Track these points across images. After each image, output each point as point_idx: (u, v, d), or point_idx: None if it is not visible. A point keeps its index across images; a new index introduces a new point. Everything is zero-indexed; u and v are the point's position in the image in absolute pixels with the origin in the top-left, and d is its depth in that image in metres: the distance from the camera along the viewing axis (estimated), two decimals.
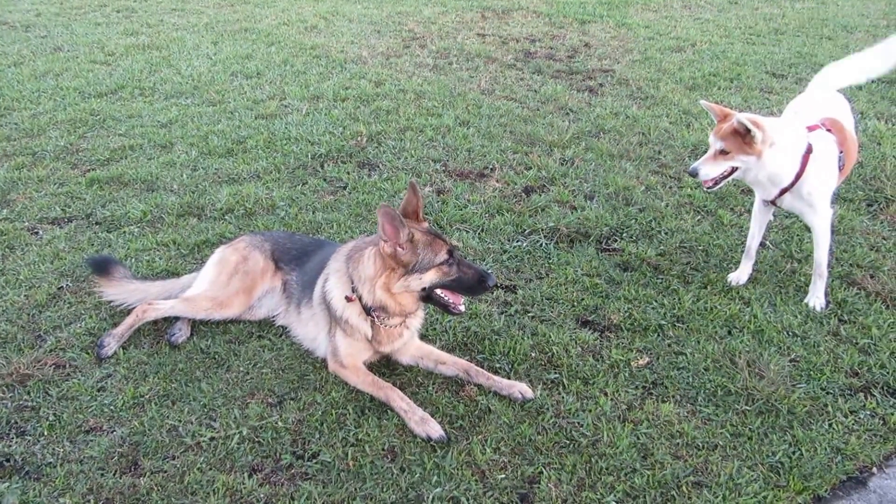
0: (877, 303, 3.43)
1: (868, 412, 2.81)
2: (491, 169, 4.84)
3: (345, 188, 4.57)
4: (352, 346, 2.95)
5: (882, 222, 4.16)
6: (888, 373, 3.00)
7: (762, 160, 3.17)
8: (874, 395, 2.89)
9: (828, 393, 2.89)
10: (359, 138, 5.28)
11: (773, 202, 3.41)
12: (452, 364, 2.97)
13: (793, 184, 3.24)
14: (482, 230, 4.07)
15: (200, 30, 8.44)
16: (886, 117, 5.65)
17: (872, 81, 6.51)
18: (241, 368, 3.01)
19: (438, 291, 2.80)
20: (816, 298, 3.41)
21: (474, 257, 3.78)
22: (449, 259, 2.76)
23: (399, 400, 2.78)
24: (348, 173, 4.75)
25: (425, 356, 3.03)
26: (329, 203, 4.37)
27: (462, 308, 2.86)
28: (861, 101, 5.99)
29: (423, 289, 2.79)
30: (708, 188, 3.32)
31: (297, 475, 2.52)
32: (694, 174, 3.26)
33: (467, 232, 4.05)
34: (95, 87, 6.35)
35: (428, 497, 2.42)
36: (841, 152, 3.34)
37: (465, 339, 3.20)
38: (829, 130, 3.34)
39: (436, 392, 2.89)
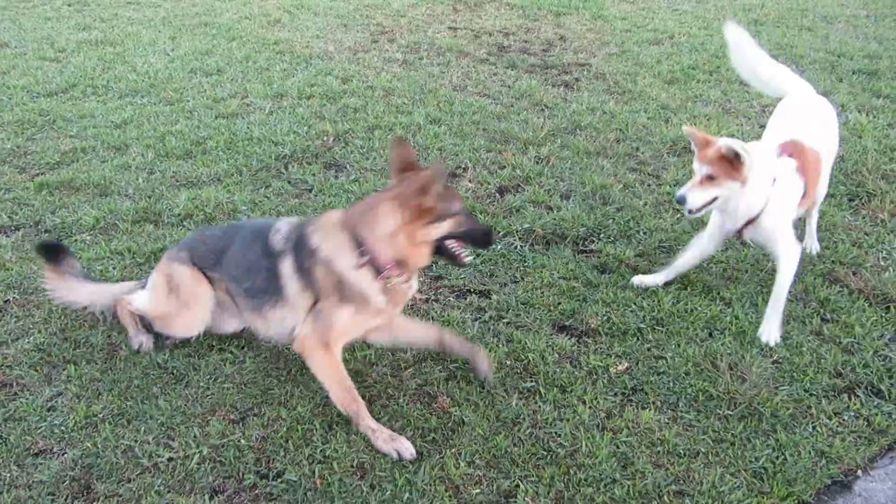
0: (860, 300, 3.49)
1: (852, 413, 2.85)
2: (463, 168, 4.84)
3: (310, 190, 4.54)
4: (353, 318, 2.86)
5: (864, 217, 4.23)
6: (872, 372, 3.05)
7: (746, 188, 3.18)
8: (858, 396, 2.94)
9: (811, 395, 2.93)
10: (325, 138, 5.25)
11: (737, 232, 3.41)
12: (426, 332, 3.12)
13: (757, 215, 3.27)
14: None
15: (157, 24, 8.33)
16: (868, 109, 5.75)
17: (853, 73, 6.65)
18: (202, 384, 2.97)
19: (448, 242, 2.86)
20: (770, 333, 3.26)
21: (446, 263, 3.76)
22: (462, 209, 2.87)
23: (368, 418, 2.74)
24: (314, 175, 4.71)
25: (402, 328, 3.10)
26: (294, 206, 4.33)
27: (468, 259, 2.98)
28: (842, 94, 6.09)
29: (437, 238, 2.83)
30: (690, 214, 3.30)
31: (261, 496, 2.49)
32: (681, 202, 3.24)
33: None
34: (45, 85, 6.23)
35: None
36: (805, 180, 3.35)
37: (436, 348, 3.19)
38: (790, 156, 3.36)
39: (407, 404, 2.88)
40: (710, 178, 3.18)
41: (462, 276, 3.69)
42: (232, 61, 6.98)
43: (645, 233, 4.08)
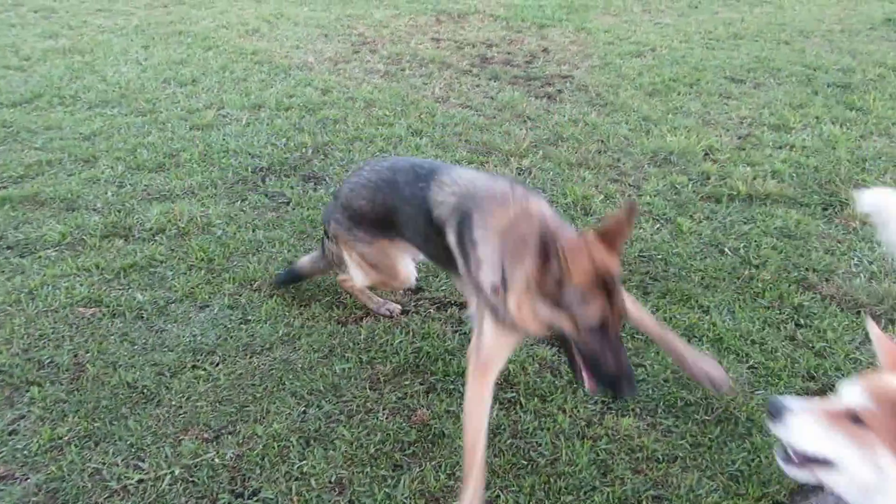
0: (832, 306, 3.57)
1: None
2: None
3: (288, 203, 4.55)
4: (499, 338, 2.46)
5: (837, 226, 4.33)
6: (843, 375, 3.12)
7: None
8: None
9: None
10: (304, 150, 5.28)
11: None
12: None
13: None
14: None
15: (129, 32, 8.33)
16: (841, 122, 5.89)
17: (828, 85, 6.81)
18: (173, 402, 2.96)
19: (576, 346, 2.25)
20: None
21: (426, 274, 3.81)
22: (596, 325, 2.16)
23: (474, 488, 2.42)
24: (292, 188, 4.73)
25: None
26: (271, 220, 4.34)
27: (589, 385, 2.27)
28: (817, 106, 6.23)
29: (550, 326, 2.27)
30: (783, 461, 1.86)
31: None
32: (776, 414, 1.80)
33: None
34: (8, 95, 6.21)
35: None
36: None
37: (416, 360, 3.21)
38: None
39: (386, 418, 2.89)
40: (856, 422, 1.71)
41: (442, 287, 3.73)
42: (208, 71, 7.00)
43: (625, 243, 4.14)
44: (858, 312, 3.56)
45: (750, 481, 2.60)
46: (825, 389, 3.06)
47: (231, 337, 3.35)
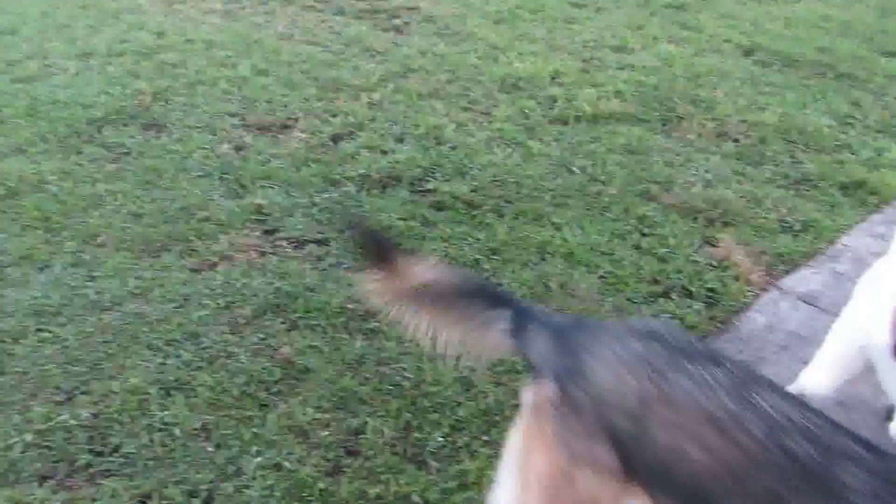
0: (672, 214, 3.85)
1: (668, 315, 3.17)
2: (294, 119, 4.76)
3: (128, 153, 4.28)
4: None
5: (675, 139, 4.63)
6: (684, 276, 3.40)
7: None
8: (672, 299, 3.27)
9: (633, 302, 3.23)
10: (141, 97, 4.95)
11: None
12: None
13: None
14: (289, 184, 4.01)
15: None
16: (677, 40, 6.23)
17: (664, 6, 7.14)
18: (18, 369, 2.77)
19: None
20: None
21: (281, 214, 3.73)
22: None
23: None
24: (132, 137, 4.45)
25: None
26: (111, 172, 4.07)
27: None
28: (654, 27, 6.54)
29: None
30: None
31: (97, 474, 2.40)
32: None
33: (273, 188, 3.98)
34: None
35: (248, 468, 2.42)
36: None
37: (276, 300, 3.17)
38: None
39: (248, 360, 2.85)
40: None
41: (299, 226, 3.67)
42: (27, 18, 6.36)
43: (478, 169, 4.23)
44: (696, 218, 3.86)
45: None
46: (668, 291, 3.32)
47: (77, 296, 3.15)
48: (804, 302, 3.39)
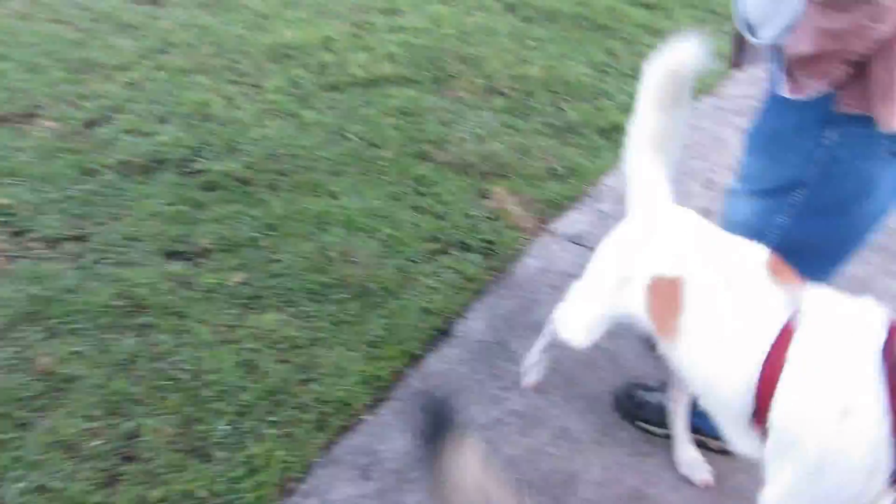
0: (447, 172, 3.96)
1: (448, 269, 3.28)
2: (40, 107, 4.29)
3: None
4: None
5: (447, 98, 4.75)
6: (461, 231, 3.53)
7: None
8: (451, 254, 3.39)
9: (413, 262, 3.30)
10: None
11: None
12: None
13: None
14: (37, 179, 3.63)
15: None
16: (446, 0, 6.36)
17: None
18: None
19: None
20: None
21: (31, 212, 3.37)
22: None
23: None
24: None
25: None
26: None
27: None
28: None
29: None
30: None
31: None
32: None
33: (18, 185, 3.57)
34: None
35: (9, 496, 2.20)
36: None
37: (30, 307, 2.87)
38: None
39: (2, 377, 2.58)
40: None
41: (52, 224, 3.34)
42: None
43: (251, 144, 4.08)
44: (468, 173, 4.01)
45: (388, 343, 2.85)
46: (447, 247, 3.43)
47: None
48: (573, 242, 3.65)
